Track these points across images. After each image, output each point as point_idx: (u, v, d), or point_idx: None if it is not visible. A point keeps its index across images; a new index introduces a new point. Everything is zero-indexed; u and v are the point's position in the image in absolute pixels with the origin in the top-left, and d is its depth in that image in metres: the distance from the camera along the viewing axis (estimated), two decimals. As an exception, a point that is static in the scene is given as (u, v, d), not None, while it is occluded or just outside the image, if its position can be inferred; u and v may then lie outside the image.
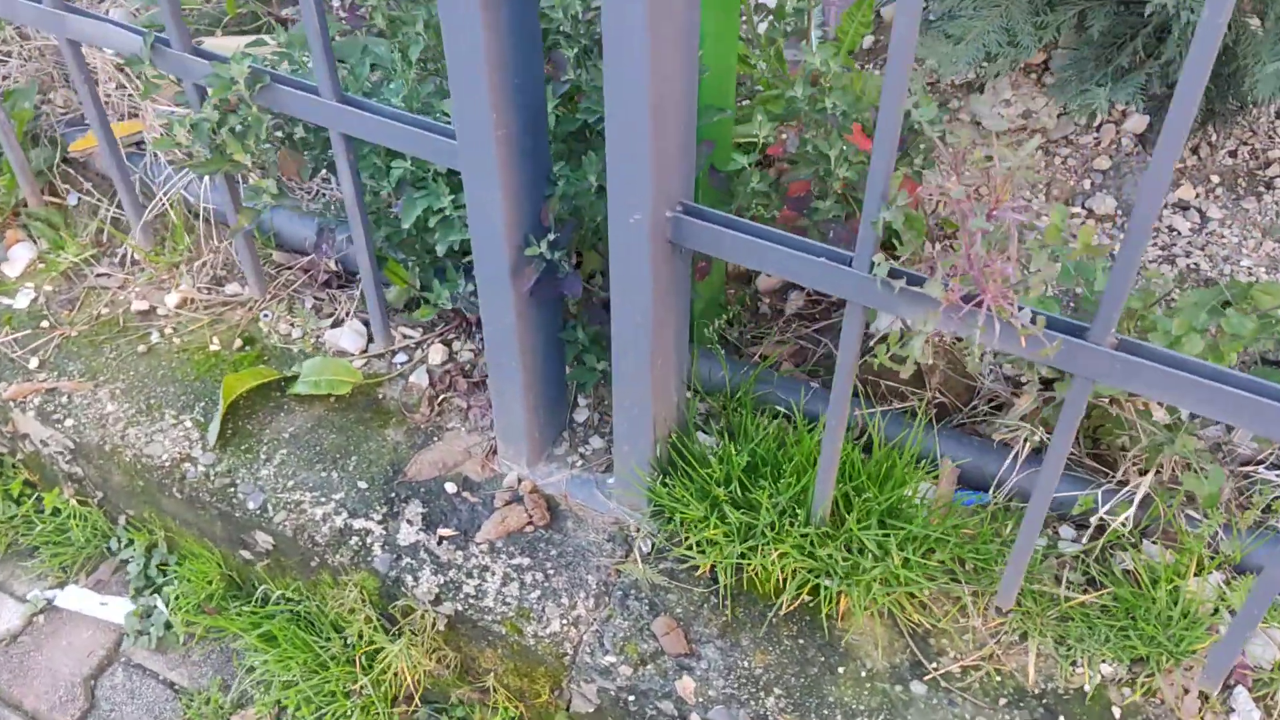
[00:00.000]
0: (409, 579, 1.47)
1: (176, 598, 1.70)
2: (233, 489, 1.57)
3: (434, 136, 1.28)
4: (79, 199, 1.96)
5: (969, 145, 0.99)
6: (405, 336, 1.74)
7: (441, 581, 1.46)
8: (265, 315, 1.79)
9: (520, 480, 1.55)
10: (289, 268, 1.83)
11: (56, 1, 1.53)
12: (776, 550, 1.38)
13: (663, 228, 1.19)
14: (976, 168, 1.12)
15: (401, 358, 1.72)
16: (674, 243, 1.22)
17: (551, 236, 1.31)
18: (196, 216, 1.89)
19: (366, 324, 1.75)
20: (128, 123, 1.94)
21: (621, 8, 0.99)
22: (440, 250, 1.45)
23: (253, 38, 2.06)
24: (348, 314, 1.77)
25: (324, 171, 1.66)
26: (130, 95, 1.98)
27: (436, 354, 1.72)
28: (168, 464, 1.60)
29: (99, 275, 1.86)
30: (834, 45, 1.83)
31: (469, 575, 1.46)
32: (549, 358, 1.48)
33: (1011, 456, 1.47)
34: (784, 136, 1.50)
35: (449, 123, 1.37)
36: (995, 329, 1.00)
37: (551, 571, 1.45)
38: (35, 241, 1.91)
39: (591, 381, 1.53)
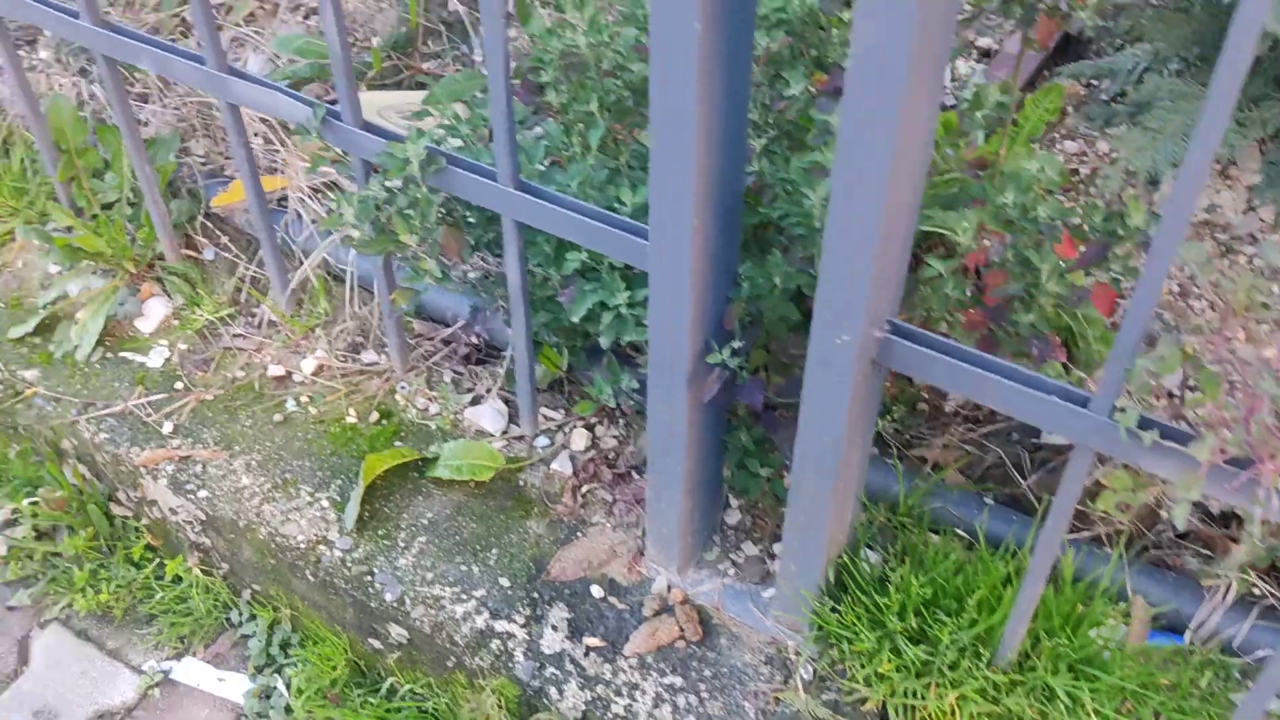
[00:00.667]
0: (553, 691, 1.38)
1: (298, 680, 1.63)
2: (369, 577, 1.49)
3: (621, 234, 1.20)
4: (215, 254, 1.92)
5: (1248, 292, 0.88)
6: (546, 418, 1.66)
7: (589, 697, 1.36)
8: (402, 387, 1.72)
9: (670, 588, 1.46)
10: (429, 339, 1.76)
11: (220, 64, 1.48)
12: (955, 693, 1.27)
13: (869, 348, 1.09)
14: (1245, 312, 1.01)
15: (543, 441, 1.64)
16: (878, 362, 1.12)
17: (736, 344, 1.22)
18: (335, 279, 1.84)
19: (507, 402, 1.68)
20: (271, 178, 1.90)
21: (868, 127, 0.90)
22: (604, 343, 1.37)
23: (401, 95, 2.02)
24: (489, 391, 1.70)
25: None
26: (275, 150, 1.94)
27: (579, 439, 1.64)
28: (303, 545, 1.54)
29: (235, 336, 1.82)
30: (1014, 130, 1.73)
31: (618, 693, 1.36)
32: (709, 460, 1.39)
33: (1215, 599, 1.34)
34: (986, 243, 1.40)
35: (628, 212, 1.30)
36: (1275, 503, 0.89)
37: (706, 695, 1.35)
38: (170, 296, 1.87)
39: (755, 489, 1.43)
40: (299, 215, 1.86)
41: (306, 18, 2.32)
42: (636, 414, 1.64)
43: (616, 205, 1.33)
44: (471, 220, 1.48)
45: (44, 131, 1.83)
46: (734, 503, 1.54)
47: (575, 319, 1.33)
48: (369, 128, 1.37)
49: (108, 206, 1.91)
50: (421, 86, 2.15)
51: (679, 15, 0.93)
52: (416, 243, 1.37)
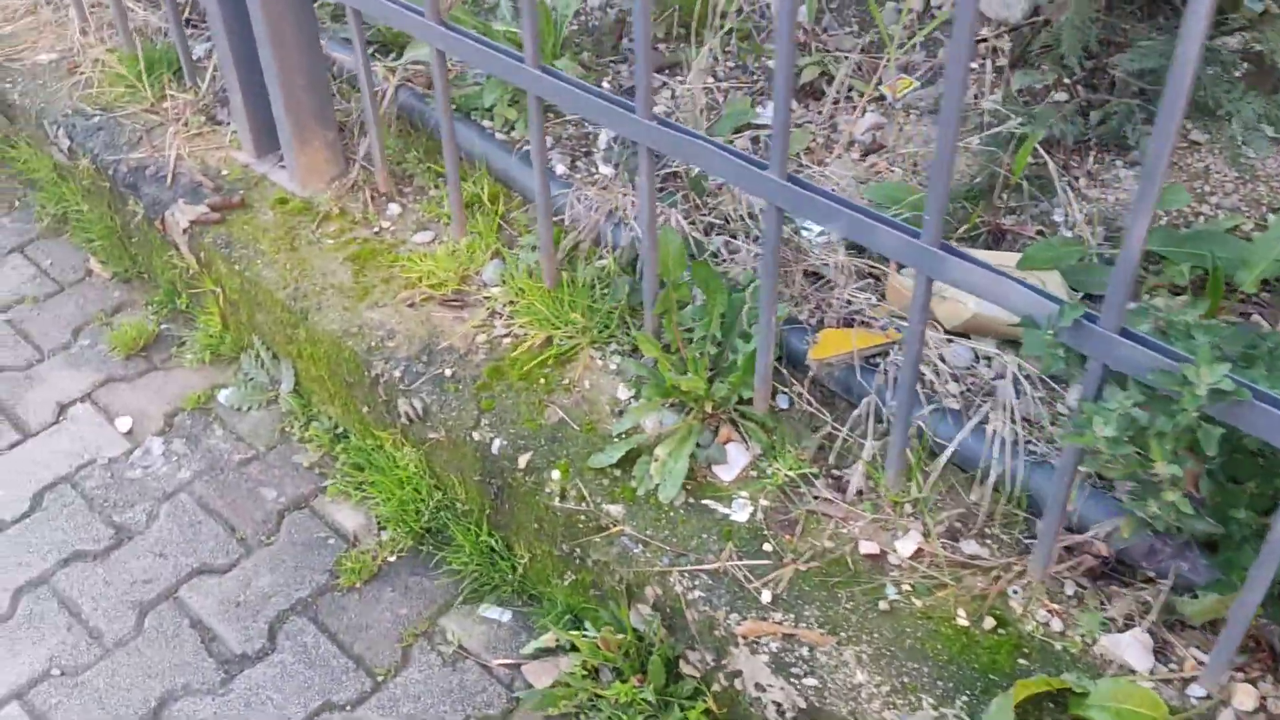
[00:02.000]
0: None
1: None
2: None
3: None
4: (790, 403, 1.83)
5: None
6: (1198, 663, 1.45)
7: None
8: (1014, 592, 1.56)
9: None
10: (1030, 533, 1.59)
11: (935, 238, 1.38)
12: None
13: None
14: None
15: (1196, 691, 1.43)
16: None
17: None
18: (933, 456, 1.70)
19: (1152, 634, 1.48)
20: (868, 333, 1.80)
21: None
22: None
23: (993, 255, 1.88)
24: (1131, 619, 1.50)
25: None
26: (872, 302, 1.84)
27: (1245, 698, 1.41)
28: (938, 772, 1.39)
29: (818, 499, 1.71)
30: None
31: None
32: None
33: None
34: None
35: None
36: None
37: None
38: (747, 443, 1.79)
39: None
40: (916, 391, 1.74)
41: (864, 156, 2.24)
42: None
43: None
44: (1245, 455, 1.30)
45: (652, 260, 1.80)
46: None
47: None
48: (1128, 334, 1.23)
49: (687, 339, 1.86)
50: (996, 244, 2.02)
51: None
52: (1169, 474, 1.21)
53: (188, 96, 2.62)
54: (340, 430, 2.24)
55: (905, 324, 1.82)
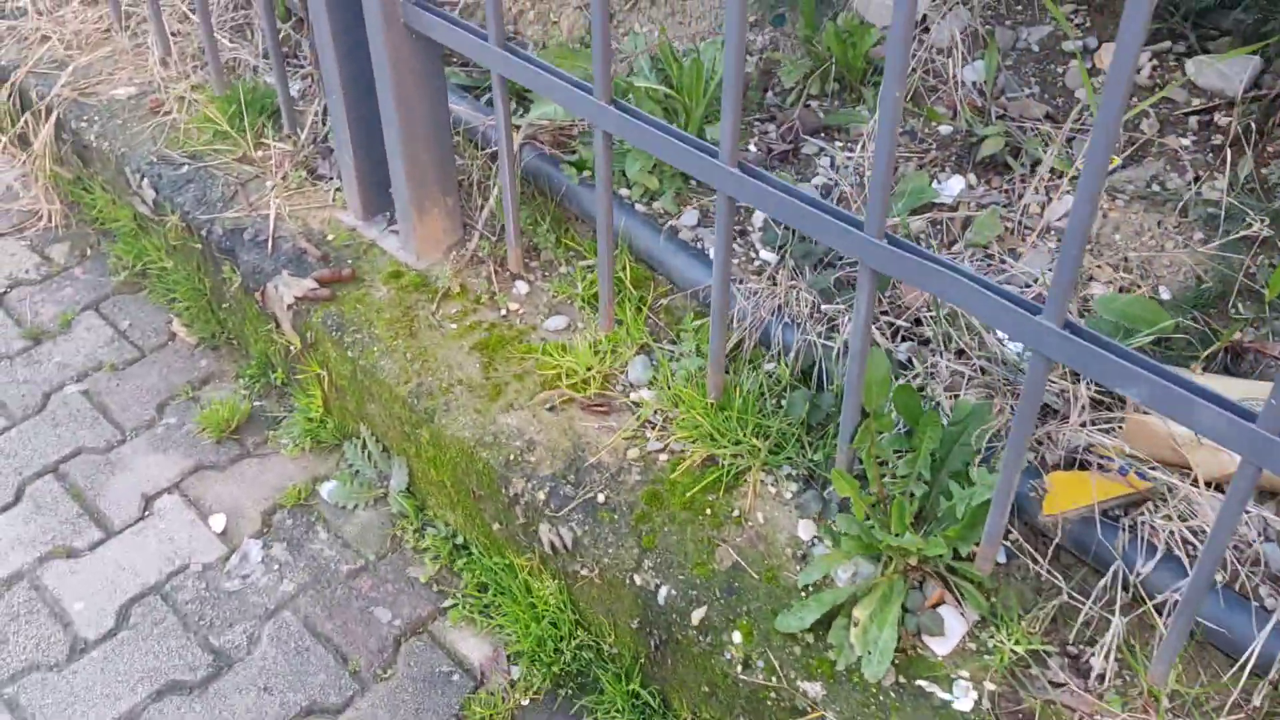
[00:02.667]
0: None
1: None
2: None
3: None
4: (1008, 557, 1.57)
5: None
6: None
7: None
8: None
9: None
10: None
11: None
12: None
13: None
14: None
15: None
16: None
17: None
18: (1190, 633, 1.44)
19: None
20: (1109, 481, 1.53)
21: None
22: None
23: (1244, 385, 1.61)
24: None
25: None
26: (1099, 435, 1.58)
27: None
28: None
29: (1054, 685, 1.45)
30: None
31: None
32: None
33: None
34: None
35: None
36: None
37: None
38: (961, 604, 1.54)
39: None
40: (1150, 545, 1.48)
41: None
42: None
43: None
44: None
45: (857, 389, 1.54)
46: None
47: None
48: None
49: (881, 469, 1.60)
50: (1234, 366, 1.74)
51: None
52: None
53: (286, 147, 2.37)
54: (460, 541, 1.99)
55: (1155, 471, 1.56)
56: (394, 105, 1.92)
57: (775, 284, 1.88)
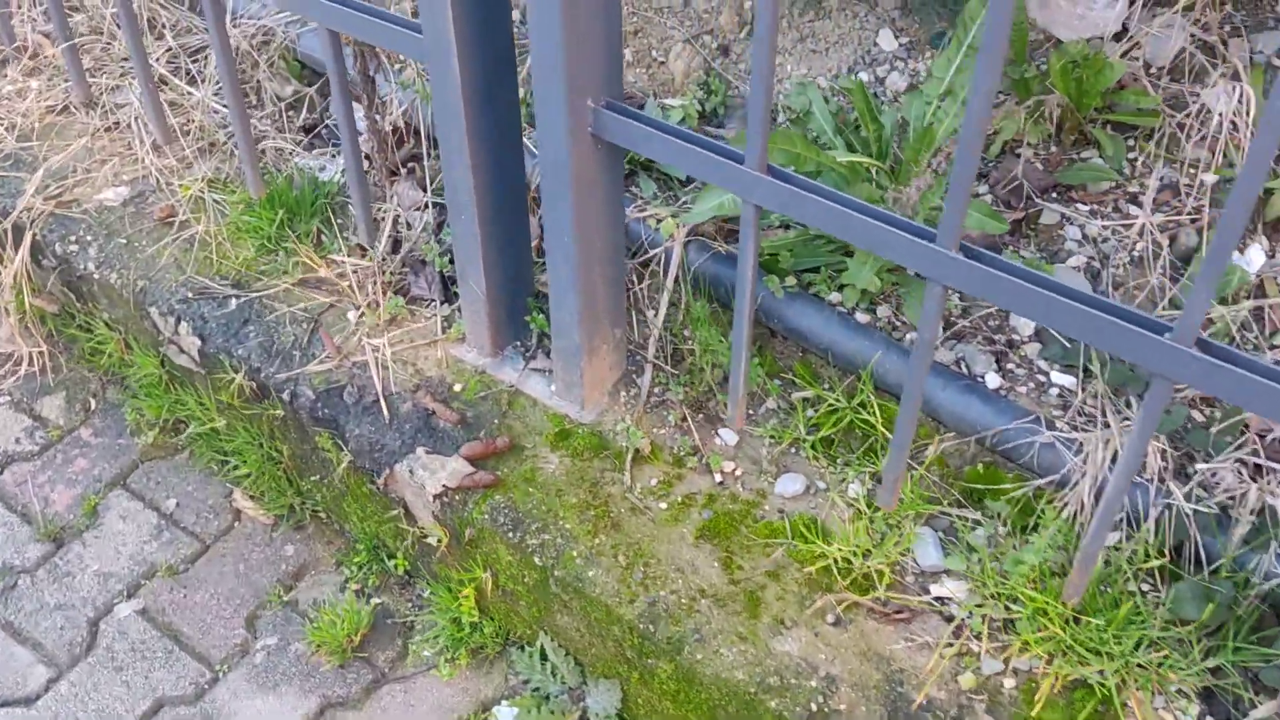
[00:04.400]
0: None
1: None
2: None
3: None
4: None
5: None
6: None
7: None
8: None
9: None
10: None
11: None
12: None
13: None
14: None
15: None
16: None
17: None
18: None
19: None
20: None
21: None
22: None
23: None
24: None
25: None
26: None
27: None
28: None
29: None
30: None
31: None
32: None
33: None
34: None
35: None
36: None
37: None
38: None
39: None
40: None
41: None
42: None
43: None
44: None
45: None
46: None
47: None
48: None
49: None
50: None
51: None
52: None
53: (361, 263, 1.85)
54: (709, 782, 1.55)
55: None
56: (573, 229, 1.43)
57: (1098, 423, 1.47)
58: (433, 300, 1.81)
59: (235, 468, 1.90)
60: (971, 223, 1.56)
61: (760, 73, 1.15)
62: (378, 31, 1.48)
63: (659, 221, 1.77)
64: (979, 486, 1.50)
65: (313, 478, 1.81)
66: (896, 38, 2.05)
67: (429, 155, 1.95)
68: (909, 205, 1.70)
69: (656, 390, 1.68)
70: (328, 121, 2.14)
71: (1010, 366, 1.60)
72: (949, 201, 1.10)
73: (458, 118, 1.44)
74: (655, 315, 1.71)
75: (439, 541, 1.65)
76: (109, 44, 2.27)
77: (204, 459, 1.95)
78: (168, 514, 1.89)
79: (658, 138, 1.32)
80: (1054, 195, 1.79)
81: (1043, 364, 1.59)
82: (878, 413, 1.58)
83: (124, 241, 1.95)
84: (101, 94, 2.18)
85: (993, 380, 1.57)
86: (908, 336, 1.65)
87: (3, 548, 1.84)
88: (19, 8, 2.33)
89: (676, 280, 1.72)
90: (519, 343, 1.75)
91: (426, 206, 1.91)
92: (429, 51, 1.41)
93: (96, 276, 1.93)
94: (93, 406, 2.06)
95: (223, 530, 1.87)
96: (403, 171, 1.99)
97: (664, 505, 1.55)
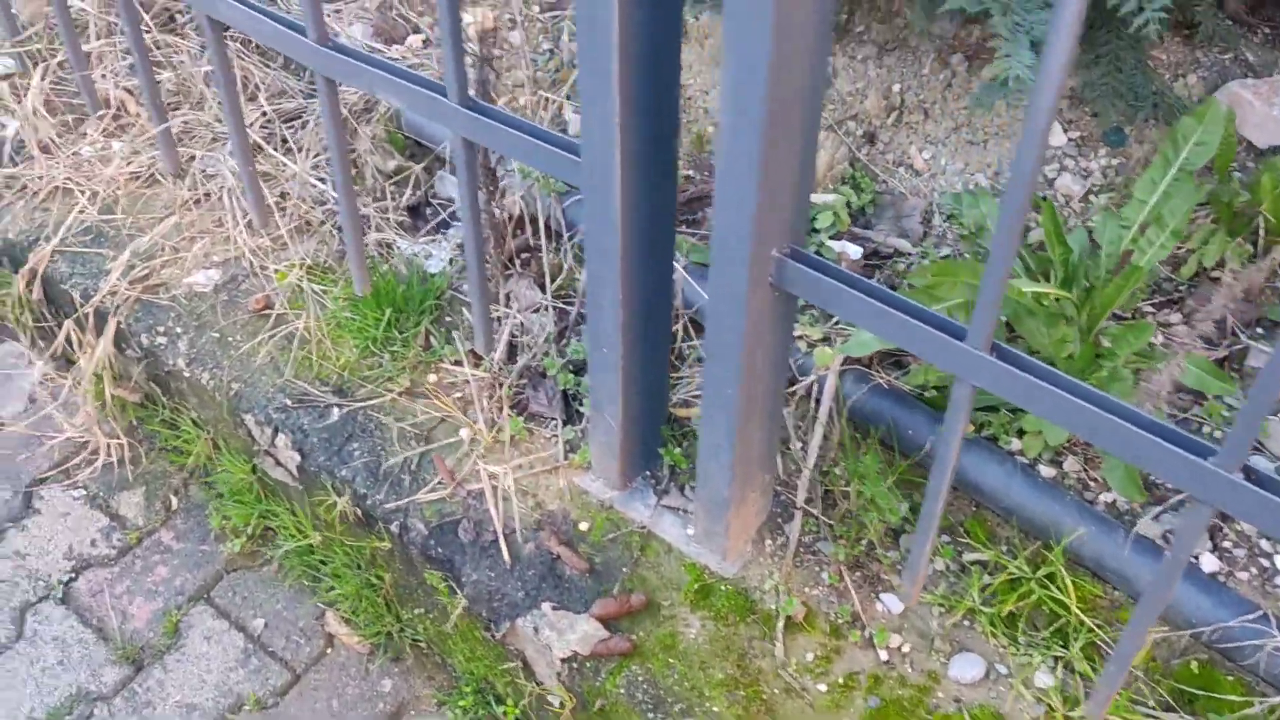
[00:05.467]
0: None
1: None
2: None
3: None
4: None
5: None
6: None
7: None
8: None
9: None
10: None
11: None
12: None
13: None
14: None
15: None
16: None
17: None
18: None
19: None
20: None
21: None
22: None
23: None
24: None
25: None
26: None
27: None
28: None
29: None
30: None
31: None
32: None
33: None
34: None
35: None
36: None
37: None
38: None
39: None
40: None
41: None
42: None
43: None
44: None
45: None
46: None
47: None
48: None
49: None
50: None
51: None
52: None
53: (475, 373, 1.68)
54: None
55: None
56: (738, 384, 1.26)
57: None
58: (553, 419, 1.64)
59: (330, 588, 1.74)
60: (1190, 379, 1.37)
61: (1000, 257, 0.96)
62: (524, 148, 1.31)
63: (810, 345, 1.59)
64: (1193, 691, 1.30)
65: (416, 610, 1.65)
66: (1065, 130, 1.85)
67: (546, 249, 1.78)
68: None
69: (806, 538, 1.50)
70: (432, 200, 1.97)
71: (1226, 545, 1.40)
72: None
73: (612, 256, 1.27)
74: (805, 453, 1.53)
75: (562, 705, 1.47)
76: (199, 103, 2.12)
77: (295, 574, 1.79)
78: (255, 636, 1.74)
79: (847, 294, 1.14)
80: (1259, 330, 1.59)
81: (1265, 544, 1.39)
82: (1070, 589, 1.39)
83: (216, 335, 1.79)
84: (189, 160, 2.03)
85: (1209, 563, 1.37)
86: (1100, 498, 1.46)
87: (78, 668, 1.69)
88: (100, 60, 2.19)
89: (830, 414, 1.54)
90: (649, 473, 1.58)
91: (544, 308, 1.74)
92: (586, 177, 1.24)
93: (187, 375, 1.77)
94: (174, 505, 1.91)
95: (314, 658, 1.72)
96: (516, 263, 1.82)
97: (823, 687, 1.37)
